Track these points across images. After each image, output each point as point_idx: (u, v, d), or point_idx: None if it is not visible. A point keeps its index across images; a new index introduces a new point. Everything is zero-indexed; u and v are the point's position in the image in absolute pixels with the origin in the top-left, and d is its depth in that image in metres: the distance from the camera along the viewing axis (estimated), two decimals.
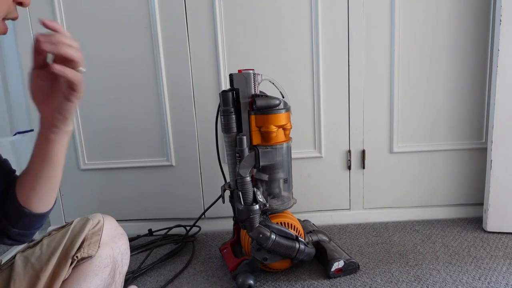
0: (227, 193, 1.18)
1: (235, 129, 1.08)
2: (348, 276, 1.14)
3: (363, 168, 1.51)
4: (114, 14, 1.40)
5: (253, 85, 1.07)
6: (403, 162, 1.51)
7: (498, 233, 1.37)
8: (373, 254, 1.27)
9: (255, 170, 1.11)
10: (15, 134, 1.64)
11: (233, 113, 1.07)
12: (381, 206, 1.54)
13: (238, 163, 1.07)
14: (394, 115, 1.46)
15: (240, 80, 1.07)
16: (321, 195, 1.53)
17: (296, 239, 1.10)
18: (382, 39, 1.41)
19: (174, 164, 1.50)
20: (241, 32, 1.40)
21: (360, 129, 1.47)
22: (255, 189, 1.08)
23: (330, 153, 1.50)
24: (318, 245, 1.21)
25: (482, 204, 1.43)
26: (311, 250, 1.14)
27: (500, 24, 1.25)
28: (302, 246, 1.10)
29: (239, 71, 1.08)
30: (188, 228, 1.42)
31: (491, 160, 1.34)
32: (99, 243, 0.79)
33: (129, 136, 1.49)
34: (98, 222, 0.82)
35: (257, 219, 1.06)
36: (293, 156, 1.47)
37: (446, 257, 1.22)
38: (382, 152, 1.50)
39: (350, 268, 1.15)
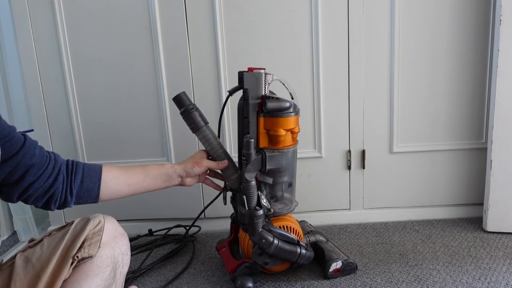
0: (229, 193, 1.17)
1: (202, 123, 1.04)
2: (348, 276, 1.14)
3: (363, 168, 1.51)
4: (114, 14, 1.40)
5: (263, 86, 1.03)
6: (403, 162, 1.51)
7: (498, 233, 1.37)
8: (373, 254, 1.27)
9: (259, 172, 1.08)
10: None
11: (194, 109, 1.03)
12: (381, 206, 1.55)
13: (244, 166, 1.04)
14: (394, 115, 1.46)
15: (250, 79, 1.02)
16: (321, 195, 1.53)
17: (297, 243, 1.08)
18: (382, 39, 1.41)
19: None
20: (241, 32, 1.40)
21: (360, 129, 1.48)
22: (259, 193, 1.05)
23: (330, 153, 1.50)
24: (316, 245, 1.21)
25: (482, 204, 1.43)
26: (310, 254, 1.12)
27: (500, 24, 1.25)
28: (303, 251, 1.08)
29: (249, 69, 1.04)
30: (187, 228, 1.42)
31: (491, 160, 1.34)
32: (100, 243, 0.79)
33: (129, 136, 1.49)
34: (99, 222, 0.82)
35: (260, 224, 1.03)
36: None
37: (446, 257, 1.22)
38: (382, 152, 1.50)
39: (348, 269, 1.15)
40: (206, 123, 1.05)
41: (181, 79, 1.44)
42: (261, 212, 1.03)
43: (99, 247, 0.78)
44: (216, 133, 1.11)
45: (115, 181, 0.88)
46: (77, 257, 0.75)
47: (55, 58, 1.43)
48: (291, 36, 1.41)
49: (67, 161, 0.84)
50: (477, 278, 1.10)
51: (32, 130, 1.55)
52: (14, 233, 1.62)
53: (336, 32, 1.40)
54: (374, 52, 1.42)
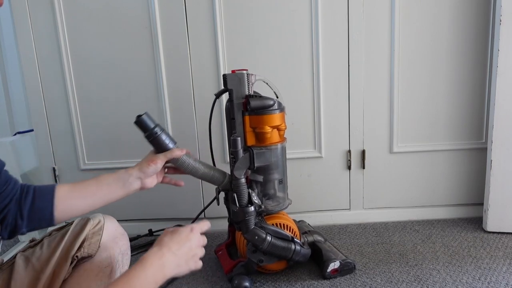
0: (222, 194, 1.16)
1: (170, 145, 0.96)
2: (348, 276, 1.14)
3: (363, 168, 1.51)
4: (114, 14, 1.40)
5: (247, 86, 1.06)
6: (403, 162, 1.51)
7: (498, 233, 1.37)
8: (373, 254, 1.27)
9: (249, 171, 1.10)
10: (15, 134, 1.64)
11: (158, 133, 0.95)
12: (381, 206, 1.54)
13: (232, 164, 1.05)
14: (394, 115, 1.46)
15: (233, 80, 1.06)
16: (321, 195, 1.53)
17: (291, 240, 1.09)
18: (382, 39, 1.41)
19: None
20: (241, 32, 1.40)
21: (360, 129, 1.48)
22: (250, 191, 1.06)
23: (330, 153, 1.50)
24: (313, 245, 1.20)
25: (482, 204, 1.43)
26: (306, 251, 1.13)
27: (500, 24, 1.25)
28: (298, 247, 1.09)
29: (233, 71, 1.07)
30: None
31: (491, 160, 1.34)
32: (100, 243, 0.79)
33: (129, 136, 1.49)
34: (99, 222, 0.82)
35: (252, 220, 1.05)
36: (293, 156, 1.48)
37: (446, 257, 1.22)
38: (382, 152, 1.50)
39: (346, 269, 1.14)
40: (175, 143, 0.98)
41: (181, 79, 1.44)
42: (252, 209, 1.05)
43: (99, 247, 0.79)
44: (207, 138, 1.11)
45: (68, 195, 0.80)
46: (77, 256, 0.75)
47: (55, 58, 1.43)
48: (291, 36, 1.41)
49: (21, 185, 0.77)
50: (477, 278, 1.10)
51: (32, 130, 1.55)
52: None
53: (336, 32, 1.40)
54: (374, 52, 1.42)
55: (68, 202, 0.79)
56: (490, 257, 1.21)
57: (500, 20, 1.25)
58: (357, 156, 1.50)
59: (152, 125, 0.95)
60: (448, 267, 1.16)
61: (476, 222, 1.46)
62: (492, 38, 1.37)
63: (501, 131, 1.31)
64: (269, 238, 1.05)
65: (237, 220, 1.06)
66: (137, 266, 0.62)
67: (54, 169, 1.50)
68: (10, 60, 1.65)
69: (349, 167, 1.51)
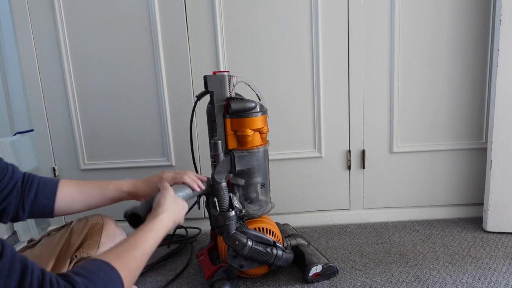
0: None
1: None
2: (348, 276, 1.14)
3: (363, 168, 1.51)
4: (114, 15, 1.40)
5: (228, 88, 1.04)
6: (403, 162, 1.51)
7: (498, 233, 1.37)
8: (373, 254, 1.27)
9: (231, 174, 1.07)
10: (15, 134, 1.64)
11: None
12: (381, 206, 1.54)
13: (213, 168, 1.03)
14: (394, 115, 1.46)
15: (214, 82, 1.03)
16: (321, 195, 1.53)
17: (273, 244, 1.06)
18: (382, 39, 1.41)
19: (174, 164, 1.49)
20: (241, 32, 1.40)
21: (360, 129, 1.47)
22: (231, 195, 1.04)
23: (330, 153, 1.49)
24: (296, 249, 1.18)
25: (482, 204, 1.43)
26: (289, 255, 1.11)
27: (500, 24, 1.25)
28: (280, 252, 1.07)
29: (214, 72, 1.05)
30: (183, 230, 1.42)
31: (491, 160, 1.34)
32: (99, 244, 0.79)
33: (129, 136, 1.49)
34: (98, 223, 0.82)
35: (233, 225, 1.03)
36: (293, 156, 1.48)
37: (446, 257, 1.22)
38: (382, 152, 1.50)
39: (328, 273, 1.13)
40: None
41: (181, 79, 1.44)
42: (233, 213, 1.02)
43: (98, 247, 0.78)
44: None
45: (71, 195, 0.81)
46: (76, 256, 0.75)
47: (55, 58, 1.43)
48: (291, 36, 1.40)
49: (24, 174, 0.77)
50: (477, 278, 1.10)
51: (31, 130, 1.55)
52: (14, 233, 1.62)
53: (336, 32, 1.40)
54: (374, 52, 1.42)
55: (69, 200, 0.80)
56: (490, 257, 1.21)
57: (500, 20, 1.25)
58: (357, 156, 1.50)
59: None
60: (448, 267, 1.16)
61: (476, 222, 1.46)
62: (492, 38, 1.37)
63: (501, 131, 1.31)
64: (250, 243, 1.03)
65: (217, 225, 1.03)
66: (153, 221, 0.71)
67: (54, 169, 1.50)
68: (10, 60, 1.65)
69: (349, 167, 1.51)
